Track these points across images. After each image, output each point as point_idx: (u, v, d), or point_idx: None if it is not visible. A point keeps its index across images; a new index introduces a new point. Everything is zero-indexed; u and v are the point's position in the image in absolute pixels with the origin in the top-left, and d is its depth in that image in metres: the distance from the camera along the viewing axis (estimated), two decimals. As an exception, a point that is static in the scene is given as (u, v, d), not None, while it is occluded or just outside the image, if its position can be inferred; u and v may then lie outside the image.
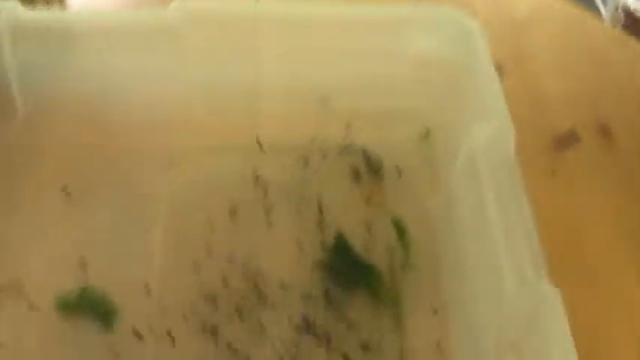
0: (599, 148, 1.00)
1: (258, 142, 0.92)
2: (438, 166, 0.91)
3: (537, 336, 0.66)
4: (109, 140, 0.91)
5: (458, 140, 0.83)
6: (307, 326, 0.80)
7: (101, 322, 0.80)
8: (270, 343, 0.79)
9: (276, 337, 0.79)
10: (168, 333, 0.79)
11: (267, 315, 0.81)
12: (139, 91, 0.90)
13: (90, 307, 0.80)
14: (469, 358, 0.78)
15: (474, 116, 0.81)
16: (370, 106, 0.91)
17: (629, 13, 1.94)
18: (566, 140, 1.00)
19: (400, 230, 0.87)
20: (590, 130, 1.01)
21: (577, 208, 0.93)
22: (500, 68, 0.88)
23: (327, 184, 0.91)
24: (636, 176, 0.97)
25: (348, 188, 0.91)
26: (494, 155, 0.76)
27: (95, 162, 0.91)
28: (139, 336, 0.79)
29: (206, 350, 0.79)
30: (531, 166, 0.78)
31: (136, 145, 0.91)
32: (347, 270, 0.84)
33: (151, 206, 0.88)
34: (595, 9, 2.06)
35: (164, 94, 0.90)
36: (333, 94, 0.91)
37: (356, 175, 0.91)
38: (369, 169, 0.92)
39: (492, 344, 0.72)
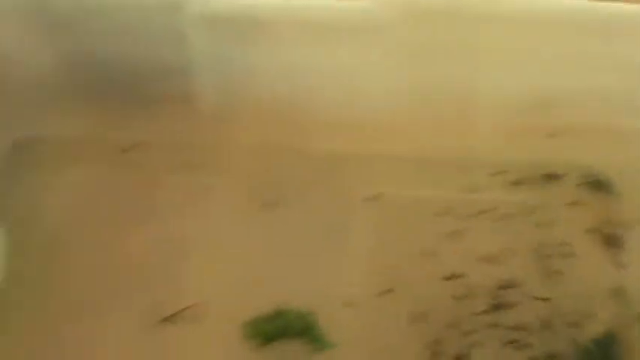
0: None
1: (470, 156, 0.81)
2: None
3: None
4: (301, 142, 0.82)
5: None
6: None
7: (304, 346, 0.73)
8: None
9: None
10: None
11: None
12: (336, 90, 0.80)
13: (286, 333, 0.73)
14: None
15: None
16: (600, 122, 0.78)
17: None
18: None
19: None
20: None
21: None
22: None
23: (548, 209, 0.79)
24: None
25: (571, 213, 0.79)
26: None
27: (286, 165, 0.82)
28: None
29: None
30: None
31: (332, 149, 0.82)
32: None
33: (348, 217, 0.80)
34: None
35: (364, 95, 0.80)
36: (558, 105, 0.78)
37: (579, 199, 0.79)
38: (594, 193, 0.80)
39: None
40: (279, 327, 0.73)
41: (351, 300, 0.75)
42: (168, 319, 0.74)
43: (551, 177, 0.81)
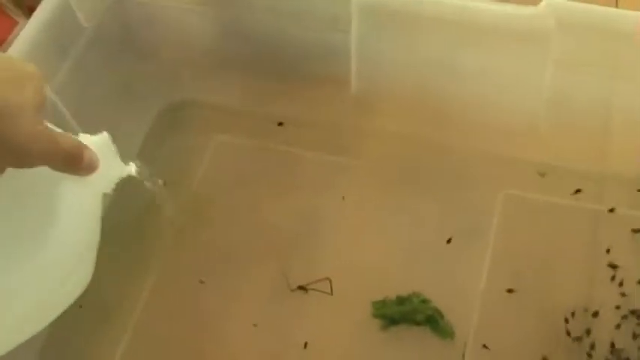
0: None
1: (609, 169, 0.82)
2: None
3: None
4: (440, 135, 0.85)
5: None
6: None
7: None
8: None
9: None
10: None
11: None
12: (483, 92, 0.82)
13: (410, 317, 0.76)
14: None
15: None
16: None
17: None
18: None
19: None
20: None
21: None
22: None
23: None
24: None
25: None
26: None
27: (424, 156, 0.85)
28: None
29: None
30: None
31: (470, 148, 0.84)
32: None
33: (479, 214, 0.82)
34: None
35: (509, 99, 0.81)
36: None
37: None
38: None
39: None
40: (405, 311, 0.76)
41: (476, 295, 0.77)
42: (302, 288, 0.78)
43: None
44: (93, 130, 0.58)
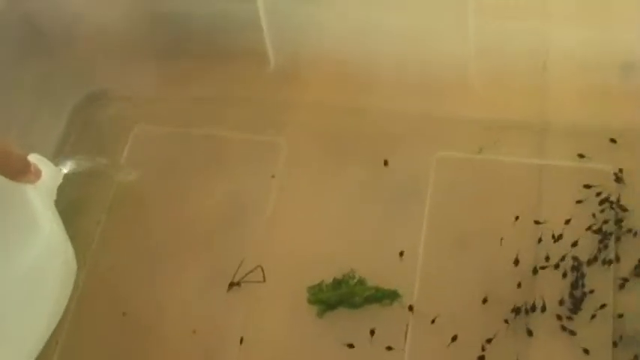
0: None
1: (545, 121, 0.78)
2: None
3: None
4: (368, 102, 0.80)
5: None
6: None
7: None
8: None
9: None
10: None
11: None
12: (404, 53, 0.78)
13: (347, 300, 0.73)
14: None
15: None
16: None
17: None
18: None
19: None
20: None
21: None
22: None
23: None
24: None
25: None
26: None
27: (353, 124, 0.81)
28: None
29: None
30: None
31: (400, 111, 0.80)
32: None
33: (417, 179, 0.78)
34: None
35: (435, 57, 0.77)
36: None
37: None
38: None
39: None
40: (341, 295, 0.72)
41: (416, 262, 0.74)
42: (234, 284, 0.75)
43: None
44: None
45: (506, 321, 0.70)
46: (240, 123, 0.82)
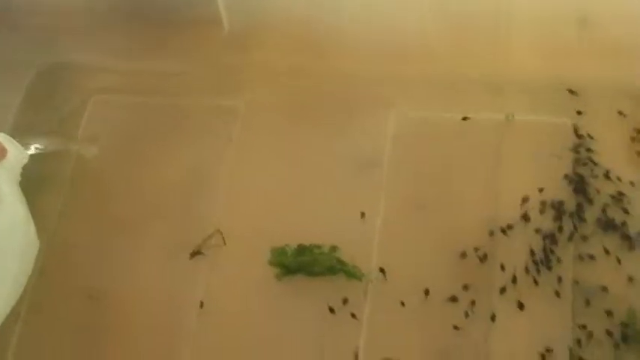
0: None
1: (506, 76, 0.77)
2: None
3: None
4: (324, 64, 0.79)
5: None
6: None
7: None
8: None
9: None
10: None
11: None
12: (362, 13, 0.77)
13: (309, 268, 0.72)
14: None
15: None
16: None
17: None
18: None
19: None
20: None
21: None
22: None
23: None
24: None
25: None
26: None
27: (310, 87, 0.80)
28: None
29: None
30: None
31: (357, 72, 0.79)
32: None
33: (377, 139, 0.77)
34: None
35: (394, 17, 0.76)
36: (596, 17, 0.74)
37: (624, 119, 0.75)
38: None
39: None
40: (302, 262, 0.72)
41: (377, 224, 0.73)
42: (196, 253, 0.74)
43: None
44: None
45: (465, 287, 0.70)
46: (197, 90, 0.82)
